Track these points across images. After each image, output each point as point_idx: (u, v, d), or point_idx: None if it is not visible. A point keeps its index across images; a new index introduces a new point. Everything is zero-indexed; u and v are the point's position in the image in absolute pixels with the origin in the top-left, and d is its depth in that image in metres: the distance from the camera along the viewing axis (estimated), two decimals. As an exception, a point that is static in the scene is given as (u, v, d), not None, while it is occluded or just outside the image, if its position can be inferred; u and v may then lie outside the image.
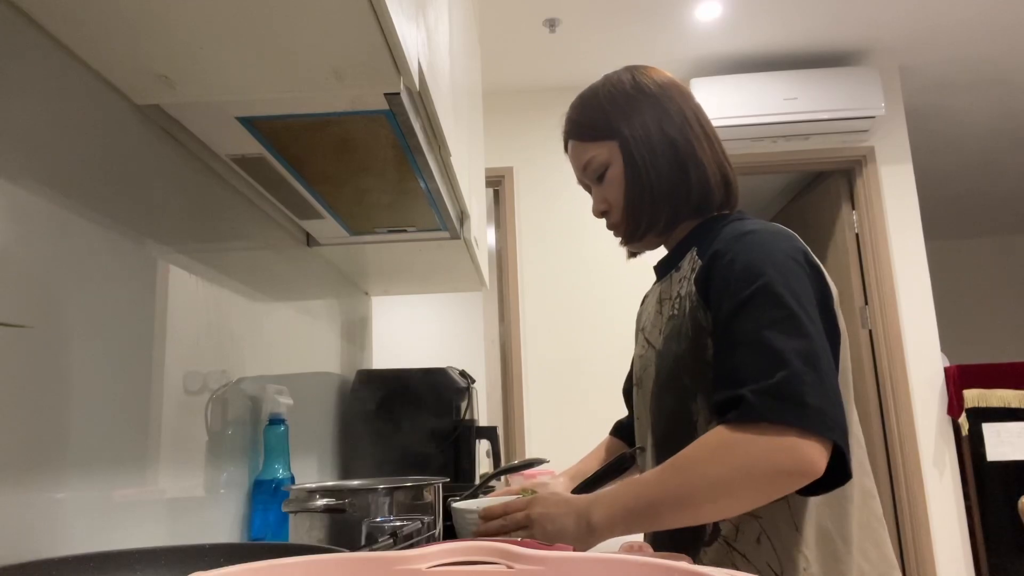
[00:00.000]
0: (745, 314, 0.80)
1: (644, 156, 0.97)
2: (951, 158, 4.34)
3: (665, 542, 0.95)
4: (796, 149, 3.35)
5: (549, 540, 0.83)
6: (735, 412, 0.76)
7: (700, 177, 0.97)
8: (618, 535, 0.84)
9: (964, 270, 5.78)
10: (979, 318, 5.62)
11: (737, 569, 0.82)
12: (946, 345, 3.36)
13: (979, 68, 3.37)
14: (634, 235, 1.02)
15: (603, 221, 1.06)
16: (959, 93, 3.60)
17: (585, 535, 0.82)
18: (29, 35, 0.72)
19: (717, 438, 0.77)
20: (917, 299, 3.24)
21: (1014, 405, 3.31)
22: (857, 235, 3.42)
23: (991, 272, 5.80)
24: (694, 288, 0.90)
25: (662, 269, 1.05)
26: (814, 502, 0.87)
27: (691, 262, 0.95)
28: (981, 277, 5.79)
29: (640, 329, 1.09)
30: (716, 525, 0.89)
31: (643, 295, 1.18)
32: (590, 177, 1.04)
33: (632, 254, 1.11)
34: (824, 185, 3.68)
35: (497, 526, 0.88)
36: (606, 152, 1.00)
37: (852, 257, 3.41)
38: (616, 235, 1.06)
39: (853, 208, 3.44)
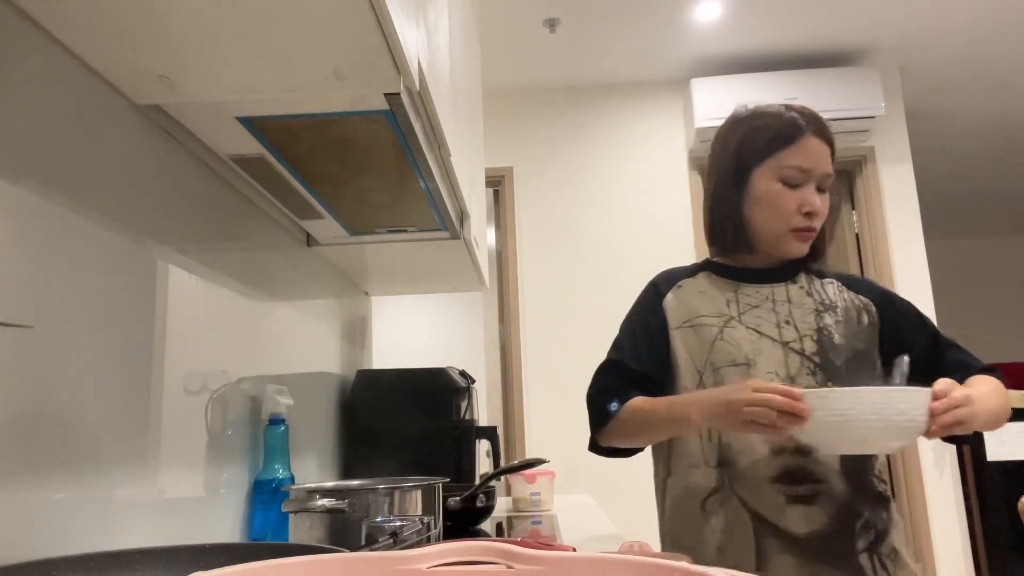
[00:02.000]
0: (940, 333, 1.17)
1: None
2: (951, 158, 4.34)
3: (863, 506, 1.07)
4: (796, 149, 3.35)
5: (985, 414, 0.99)
6: (993, 375, 1.10)
7: None
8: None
9: (964, 270, 5.78)
10: (979, 318, 5.62)
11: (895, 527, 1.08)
12: (946, 345, 3.36)
13: (979, 68, 3.37)
14: (815, 247, 1.21)
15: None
16: (959, 93, 3.60)
17: (1001, 420, 1.05)
18: (29, 35, 0.72)
19: (1000, 383, 1.08)
20: (917, 299, 3.23)
21: (1014, 405, 3.31)
22: (857, 235, 3.42)
23: (991, 272, 5.80)
24: (874, 308, 1.18)
25: (762, 275, 1.20)
26: None
27: (823, 283, 1.20)
28: (981, 277, 5.79)
29: (730, 316, 1.16)
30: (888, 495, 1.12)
31: (681, 287, 1.24)
32: (819, 181, 1.14)
33: (728, 254, 1.23)
34: (824, 185, 3.68)
35: (945, 404, 0.93)
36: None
37: (852, 257, 3.41)
38: (804, 236, 1.16)
39: (853, 208, 3.44)
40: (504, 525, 1.65)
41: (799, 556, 1.04)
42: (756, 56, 3.27)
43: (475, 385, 1.98)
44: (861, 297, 1.19)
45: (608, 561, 0.37)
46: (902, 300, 1.21)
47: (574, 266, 3.33)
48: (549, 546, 0.58)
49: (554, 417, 3.19)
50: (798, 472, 1.06)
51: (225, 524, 1.11)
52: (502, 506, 2.01)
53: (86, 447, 0.77)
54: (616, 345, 1.23)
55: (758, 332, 1.14)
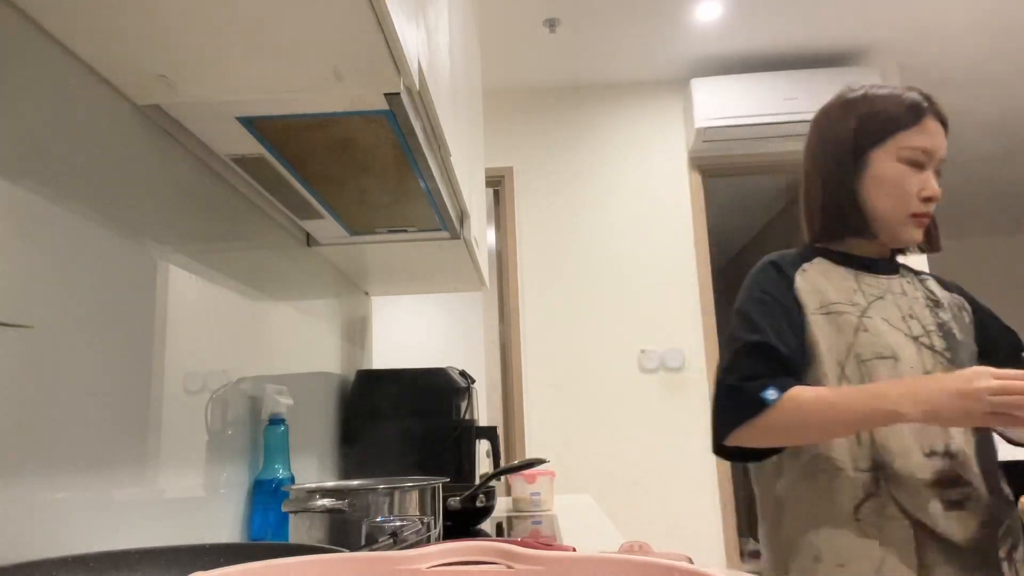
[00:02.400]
0: (1018, 335, 1.18)
1: None
2: (951, 158, 4.34)
3: (1000, 510, 1.04)
4: (796, 149, 3.36)
5: None
6: None
7: None
8: None
9: (964, 270, 5.78)
10: (979, 318, 5.62)
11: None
12: (946, 345, 3.36)
13: (979, 68, 3.37)
14: (931, 235, 1.20)
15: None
16: (959, 93, 3.60)
17: None
18: (29, 35, 0.72)
19: None
20: (917, 299, 3.24)
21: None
22: (857, 235, 3.42)
23: (991, 272, 5.80)
24: (968, 307, 1.18)
25: (874, 266, 1.17)
26: None
27: (921, 279, 1.19)
28: (981, 277, 5.79)
29: (864, 305, 1.11)
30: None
31: (805, 271, 1.15)
32: (936, 164, 1.13)
33: (836, 239, 1.19)
34: (824, 185, 3.68)
35: None
36: None
37: (852, 257, 3.41)
38: (921, 221, 1.14)
39: (853, 208, 3.44)
40: (504, 525, 1.65)
41: (960, 565, 0.98)
42: (756, 56, 3.28)
43: (475, 385, 1.98)
44: (955, 295, 1.19)
45: (608, 561, 0.37)
46: (981, 301, 1.21)
47: (574, 266, 3.33)
48: (549, 546, 0.58)
49: (554, 417, 3.19)
50: (950, 475, 1.01)
51: (225, 524, 1.11)
52: (502, 506, 2.01)
53: (86, 447, 0.77)
54: (752, 326, 1.07)
55: (890, 324, 1.09)
